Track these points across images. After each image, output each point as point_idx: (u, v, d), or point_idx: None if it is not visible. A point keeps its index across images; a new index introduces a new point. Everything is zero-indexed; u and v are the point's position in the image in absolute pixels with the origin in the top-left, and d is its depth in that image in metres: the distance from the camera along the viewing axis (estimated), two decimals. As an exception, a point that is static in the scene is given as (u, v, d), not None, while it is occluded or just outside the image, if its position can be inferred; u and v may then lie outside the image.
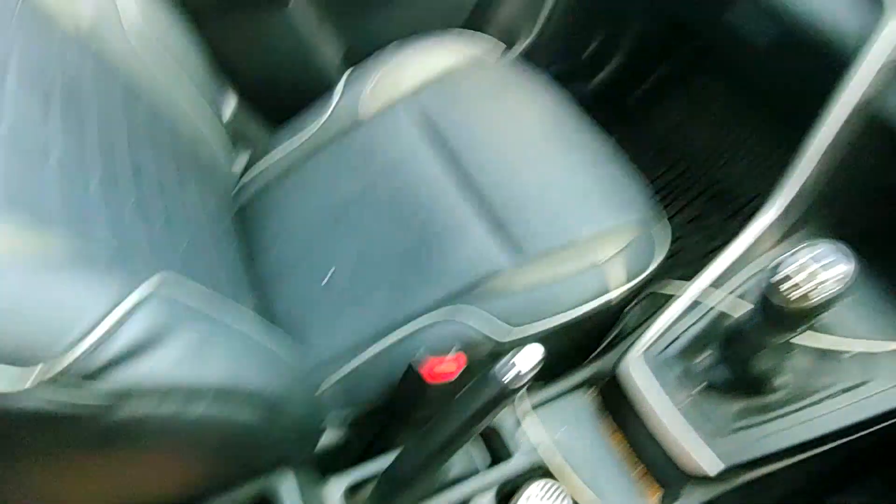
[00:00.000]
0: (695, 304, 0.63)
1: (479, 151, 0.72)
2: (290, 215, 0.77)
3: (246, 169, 0.83)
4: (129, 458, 0.38)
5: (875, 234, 0.64)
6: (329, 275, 0.70)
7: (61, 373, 0.30)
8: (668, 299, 0.64)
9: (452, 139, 0.74)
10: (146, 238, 0.48)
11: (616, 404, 0.63)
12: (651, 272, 0.63)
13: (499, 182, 0.69)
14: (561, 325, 0.59)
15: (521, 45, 1.06)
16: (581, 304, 0.60)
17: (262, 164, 0.82)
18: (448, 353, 0.54)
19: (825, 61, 0.61)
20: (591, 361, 0.66)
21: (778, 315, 0.45)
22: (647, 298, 0.67)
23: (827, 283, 0.41)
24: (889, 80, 0.55)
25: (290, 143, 0.81)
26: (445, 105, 0.78)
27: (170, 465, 0.42)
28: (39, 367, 0.29)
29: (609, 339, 0.71)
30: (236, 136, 0.89)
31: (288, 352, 0.48)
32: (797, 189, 0.59)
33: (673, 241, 0.69)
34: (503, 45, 0.86)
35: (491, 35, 0.87)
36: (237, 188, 0.82)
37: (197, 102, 0.69)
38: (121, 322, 0.32)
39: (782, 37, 0.71)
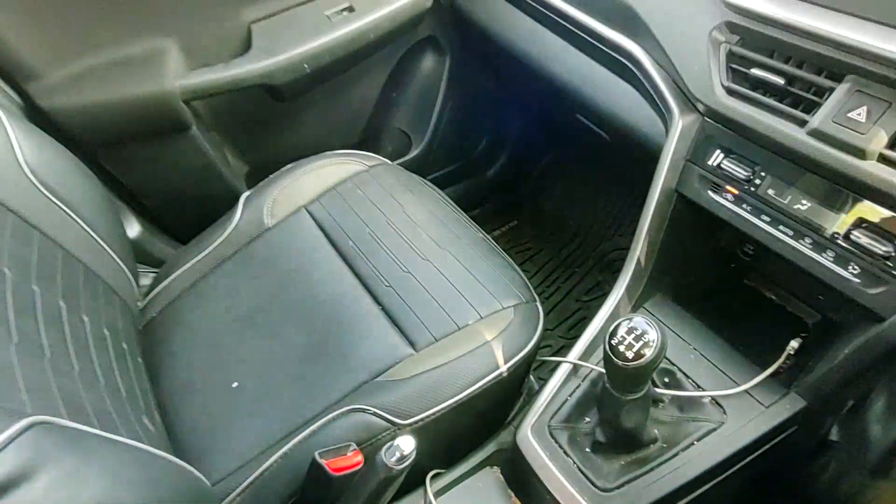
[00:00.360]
0: (576, 370, 0.70)
1: (373, 254, 0.79)
2: (197, 327, 0.79)
3: (152, 287, 0.85)
4: None
5: (710, 296, 0.76)
6: (236, 382, 0.72)
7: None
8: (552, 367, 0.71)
9: (348, 243, 0.82)
10: (23, 378, 0.49)
11: (518, 476, 0.67)
12: (534, 345, 0.70)
13: (391, 281, 0.76)
14: (458, 403, 0.64)
15: (411, 155, 1.18)
16: (474, 383, 0.66)
17: (167, 280, 0.84)
18: (349, 447, 0.58)
19: (646, 155, 0.75)
20: (492, 438, 0.71)
21: (619, 374, 0.53)
22: (539, 369, 0.74)
23: (643, 348, 0.49)
24: (686, 165, 0.68)
25: (195, 257, 0.85)
26: (340, 211, 0.86)
27: None
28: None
29: (511, 413, 0.77)
30: (142, 256, 0.92)
31: (181, 472, 0.50)
32: (635, 262, 0.69)
33: (576, 311, 0.77)
34: (392, 161, 0.96)
35: (381, 151, 0.98)
36: (143, 306, 0.84)
37: (96, 229, 0.72)
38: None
39: (618, 137, 0.86)
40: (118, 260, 0.76)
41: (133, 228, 0.95)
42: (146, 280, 0.88)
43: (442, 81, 1.14)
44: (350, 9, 0.95)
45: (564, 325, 1.07)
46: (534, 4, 0.81)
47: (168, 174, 0.93)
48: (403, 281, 0.76)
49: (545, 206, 1.36)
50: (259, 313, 0.79)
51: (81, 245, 0.69)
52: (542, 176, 1.38)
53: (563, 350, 0.74)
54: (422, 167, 1.04)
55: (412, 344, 0.70)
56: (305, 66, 0.91)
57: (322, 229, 0.85)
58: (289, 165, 0.92)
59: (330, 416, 0.64)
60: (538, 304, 0.75)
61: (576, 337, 0.71)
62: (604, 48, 0.78)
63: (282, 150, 1.03)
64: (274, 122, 1.03)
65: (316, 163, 0.92)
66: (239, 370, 0.74)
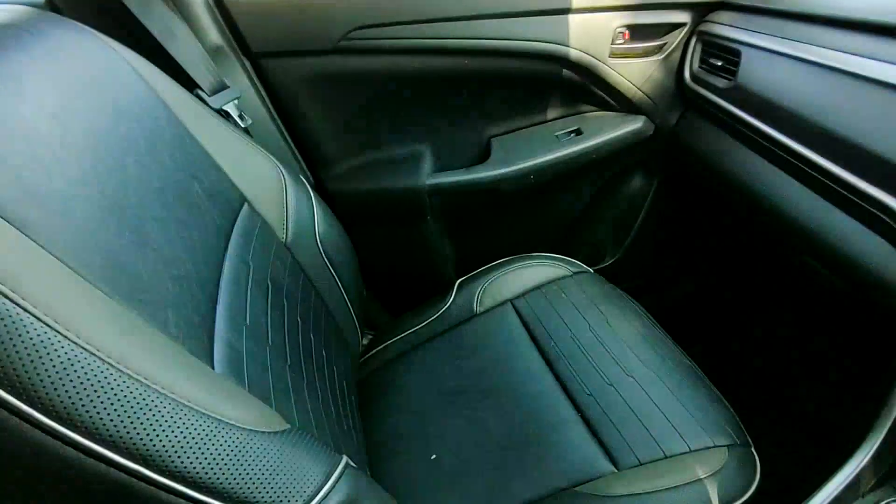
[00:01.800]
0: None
1: (574, 359, 0.82)
2: (404, 393, 0.88)
3: (369, 348, 0.97)
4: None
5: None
6: (435, 455, 0.78)
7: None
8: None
9: (550, 342, 0.86)
10: (317, 416, 0.59)
11: None
12: (750, 497, 0.66)
13: (593, 391, 0.77)
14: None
15: (605, 264, 1.22)
16: (682, 521, 0.63)
17: (382, 345, 0.96)
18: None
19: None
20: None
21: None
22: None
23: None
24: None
25: (410, 329, 0.95)
26: (545, 311, 0.91)
27: None
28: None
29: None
30: (363, 322, 1.06)
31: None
32: (884, 438, 0.63)
33: (764, 464, 0.72)
34: (588, 267, 1.01)
35: (575, 257, 1.04)
36: (361, 362, 0.95)
37: (348, 293, 0.86)
38: (330, 489, 0.42)
39: (862, 289, 0.81)
40: (356, 321, 0.89)
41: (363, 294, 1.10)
42: (364, 340, 1.01)
43: (646, 202, 1.18)
44: (578, 132, 1.05)
45: (778, 484, 0.95)
46: (773, 149, 0.83)
47: (398, 253, 1.08)
48: (606, 394, 0.77)
49: (731, 341, 1.28)
50: (461, 393, 0.85)
51: (338, 305, 0.83)
52: (733, 307, 1.32)
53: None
54: (612, 277, 1.07)
55: (613, 461, 0.70)
56: (531, 177, 1.03)
57: (525, 325, 0.91)
58: (500, 261, 1.01)
59: (526, 515, 0.66)
60: (753, 450, 0.71)
61: (782, 492, 0.65)
62: (862, 204, 0.75)
63: (490, 246, 1.14)
64: (488, 220, 1.15)
65: (524, 262, 1.00)
66: (438, 443, 0.80)
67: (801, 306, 1.05)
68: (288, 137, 0.96)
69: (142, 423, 0.32)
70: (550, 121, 1.07)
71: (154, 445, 0.32)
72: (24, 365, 0.29)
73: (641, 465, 0.68)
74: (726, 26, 0.93)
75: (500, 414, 0.80)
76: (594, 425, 0.75)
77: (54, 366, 0.30)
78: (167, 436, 0.33)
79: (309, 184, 0.91)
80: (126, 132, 0.53)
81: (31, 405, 0.29)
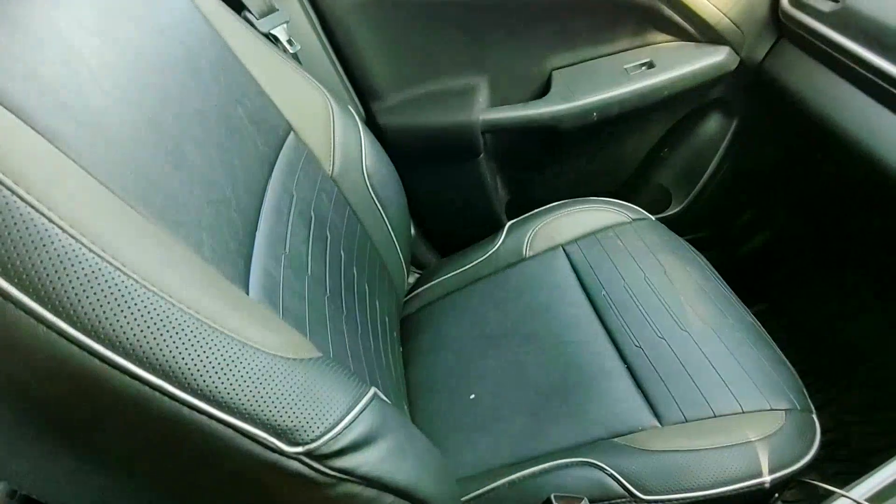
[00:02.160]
0: (851, 510, 0.59)
1: (626, 309, 0.78)
2: (447, 333, 0.88)
3: (415, 287, 0.97)
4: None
5: None
6: (473, 394, 0.78)
7: (312, 450, 0.39)
8: (819, 495, 0.61)
9: (601, 291, 0.82)
10: (354, 347, 0.60)
11: None
12: (806, 463, 0.61)
13: (643, 343, 0.73)
14: (705, 498, 0.59)
15: (668, 212, 1.14)
16: (727, 483, 0.60)
17: (428, 284, 0.95)
18: (582, 501, 0.57)
19: None
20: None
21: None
22: (795, 489, 0.64)
23: None
24: None
25: (456, 269, 0.94)
26: (597, 258, 0.87)
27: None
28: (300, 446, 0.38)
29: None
30: (410, 260, 1.05)
31: (447, 467, 0.55)
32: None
33: (826, 432, 0.66)
34: (650, 214, 0.94)
35: (636, 203, 0.96)
36: (406, 300, 0.95)
37: (395, 230, 0.85)
38: (354, 419, 0.42)
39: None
40: (402, 258, 0.88)
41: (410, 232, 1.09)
42: (410, 279, 1.00)
43: (722, 145, 1.08)
44: (650, 64, 0.95)
45: (843, 452, 0.90)
46: (885, 86, 0.72)
47: (448, 192, 1.05)
48: (656, 346, 0.73)
49: (802, 302, 1.18)
50: (503, 336, 0.83)
51: (384, 242, 0.82)
52: (809, 266, 1.21)
53: (835, 478, 0.63)
54: (676, 227, 0.99)
55: (658, 416, 0.67)
56: (594, 114, 0.95)
57: (576, 271, 0.87)
58: (553, 204, 0.96)
59: (562, 461, 0.65)
60: (814, 415, 0.66)
61: (845, 461, 0.61)
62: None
63: (544, 188, 1.08)
64: (544, 160, 1.09)
65: (579, 206, 0.95)
66: (477, 384, 0.79)
67: (889, 271, 0.94)
68: (338, 66, 0.93)
69: (164, 340, 0.32)
70: (620, 52, 0.98)
71: (176, 362, 0.32)
72: (48, 275, 0.29)
73: (687, 422, 0.65)
74: (839, -65, 0.79)
75: (542, 360, 0.78)
76: (640, 378, 0.71)
77: (78, 277, 0.30)
78: (189, 354, 0.33)
79: (358, 115, 0.88)
80: (167, 50, 0.52)
81: (56, 314, 0.30)
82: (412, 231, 1.09)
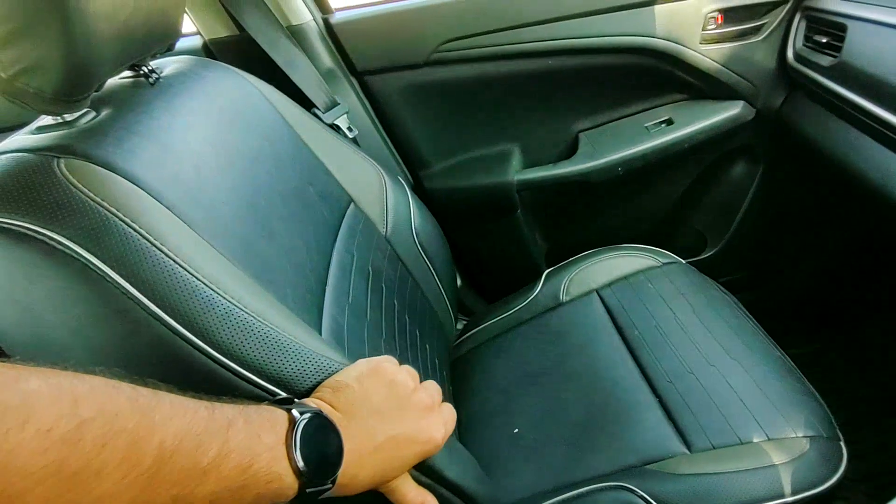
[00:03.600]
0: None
1: (657, 348, 0.84)
2: (493, 373, 0.96)
3: (463, 332, 1.07)
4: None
5: None
6: (517, 429, 0.85)
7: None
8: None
9: (634, 331, 0.89)
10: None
11: None
12: (831, 486, 0.64)
13: (673, 378, 0.79)
14: (727, 518, 0.64)
15: (705, 255, 1.19)
16: (751, 502, 0.64)
17: (476, 329, 1.05)
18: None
19: None
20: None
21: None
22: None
23: None
24: None
25: (500, 315, 1.03)
26: (630, 301, 0.93)
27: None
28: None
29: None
30: (458, 307, 1.16)
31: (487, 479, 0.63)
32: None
33: (861, 459, 0.68)
34: (684, 259, 1.00)
35: (672, 247, 1.03)
36: (455, 345, 1.05)
37: (442, 281, 0.96)
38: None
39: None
40: (449, 306, 0.98)
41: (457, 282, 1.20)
42: (459, 325, 1.11)
43: (751, 189, 1.14)
44: (669, 121, 1.05)
45: (872, 484, 0.90)
46: (881, 129, 0.78)
47: (491, 246, 1.16)
48: (685, 381, 0.79)
49: (867, 338, 1.17)
50: (544, 375, 0.91)
51: (433, 291, 0.93)
52: (870, 300, 1.21)
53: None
54: (715, 268, 1.04)
55: (687, 444, 0.72)
56: (619, 169, 1.05)
57: (610, 314, 0.94)
58: (587, 252, 1.05)
59: (597, 486, 0.71)
60: (842, 444, 0.69)
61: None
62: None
63: (579, 237, 1.17)
64: (577, 212, 1.18)
65: (612, 253, 1.03)
66: (521, 419, 0.87)
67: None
68: (389, 143, 1.09)
69: (279, 357, 0.45)
70: (641, 112, 1.08)
71: (285, 371, 0.45)
72: (174, 295, 0.42)
73: (714, 448, 0.70)
74: None
75: (579, 395, 0.85)
76: (671, 410, 0.76)
77: (198, 300, 0.43)
78: (294, 365, 0.45)
79: (408, 184, 1.03)
80: (258, 148, 0.68)
81: (206, 343, 0.42)
82: (459, 281, 1.20)
